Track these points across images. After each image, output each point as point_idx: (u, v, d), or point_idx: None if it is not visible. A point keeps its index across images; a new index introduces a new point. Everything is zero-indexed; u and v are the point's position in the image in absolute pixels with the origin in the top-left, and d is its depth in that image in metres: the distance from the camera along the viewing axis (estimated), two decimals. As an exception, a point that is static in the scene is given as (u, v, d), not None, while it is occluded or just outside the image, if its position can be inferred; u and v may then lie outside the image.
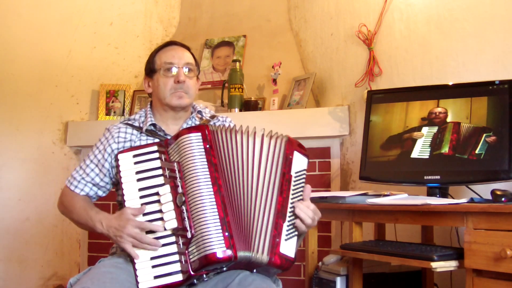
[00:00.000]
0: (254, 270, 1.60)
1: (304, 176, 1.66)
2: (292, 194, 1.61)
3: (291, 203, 1.60)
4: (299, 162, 1.66)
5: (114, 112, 3.55)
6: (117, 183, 1.82)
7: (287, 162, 1.63)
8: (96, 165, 1.82)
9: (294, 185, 1.62)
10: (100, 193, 1.84)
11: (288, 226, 1.58)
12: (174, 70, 1.82)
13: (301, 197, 1.63)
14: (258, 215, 1.57)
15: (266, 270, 1.61)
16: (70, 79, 3.52)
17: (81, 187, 1.81)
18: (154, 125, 1.84)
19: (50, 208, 3.26)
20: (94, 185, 1.82)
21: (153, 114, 1.88)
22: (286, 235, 1.57)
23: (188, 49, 1.91)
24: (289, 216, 1.59)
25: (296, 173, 1.64)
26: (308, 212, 1.60)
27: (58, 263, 3.40)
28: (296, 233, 1.60)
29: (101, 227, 1.67)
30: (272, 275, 1.67)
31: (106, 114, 3.55)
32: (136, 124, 1.86)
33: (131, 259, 1.59)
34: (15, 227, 3.27)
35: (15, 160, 3.31)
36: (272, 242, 1.54)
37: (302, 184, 1.65)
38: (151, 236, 1.59)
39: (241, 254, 1.51)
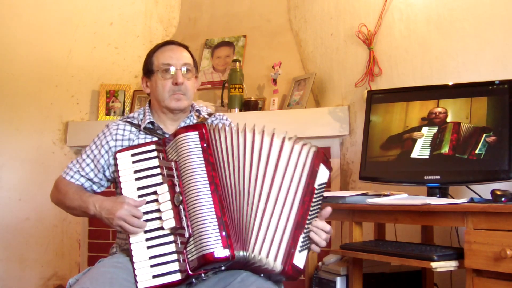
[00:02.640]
0: (262, 275, 1.59)
1: (324, 189, 1.64)
2: (313, 207, 1.60)
3: (310, 216, 1.59)
4: (323, 175, 1.63)
5: (114, 112, 3.55)
6: (113, 181, 1.82)
7: (313, 174, 1.60)
8: (92, 160, 1.82)
9: (315, 198, 1.60)
10: (95, 187, 1.84)
11: (303, 237, 1.57)
12: (172, 71, 1.81)
13: (318, 212, 1.62)
14: (266, 218, 1.55)
15: (273, 276, 1.60)
16: (70, 79, 3.52)
17: (77, 177, 1.81)
18: (152, 123, 1.84)
19: (50, 208, 3.25)
20: (88, 179, 1.82)
21: (151, 113, 1.88)
22: (301, 246, 1.56)
23: (186, 48, 1.90)
24: (306, 229, 1.58)
25: (319, 185, 1.61)
26: (322, 235, 1.59)
27: (58, 263, 3.40)
28: (308, 245, 1.60)
29: (93, 208, 1.66)
30: (276, 281, 1.64)
31: (106, 114, 3.55)
32: (135, 122, 1.86)
33: (130, 258, 1.59)
34: (15, 227, 3.27)
35: (15, 160, 3.31)
36: (288, 252, 1.53)
37: (322, 198, 1.63)
38: (149, 235, 1.59)
39: (238, 253, 1.50)
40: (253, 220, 1.56)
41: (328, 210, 1.63)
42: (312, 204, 1.59)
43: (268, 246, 1.53)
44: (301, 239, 1.56)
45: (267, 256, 1.52)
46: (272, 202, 1.57)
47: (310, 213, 1.58)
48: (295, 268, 1.54)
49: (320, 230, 1.59)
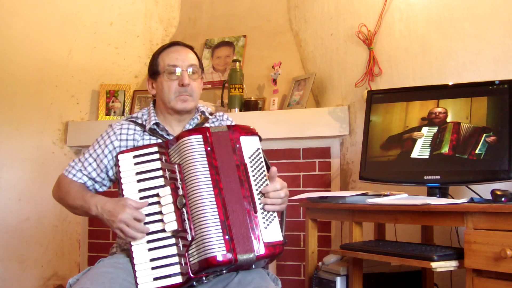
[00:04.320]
0: (253, 266, 1.59)
1: (260, 155, 1.64)
2: (255, 180, 1.60)
3: (257, 189, 1.59)
4: (250, 145, 1.64)
5: (114, 112, 3.55)
6: (116, 181, 1.82)
7: (236, 152, 1.61)
8: (95, 160, 1.81)
9: (253, 171, 1.61)
10: (97, 187, 1.84)
11: (263, 213, 1.57)
12: (178, 73, 1.80)
13: (265, 178, 1.61)
14: (243, 215, 1.56)
15: (262, 263, 1.61)
16: (70, 79, 3.52)
17: (79, 176, 1.81)
18: (157, 124, 1.84)
19: (50, 208, 3.26)
20: (90, 178, 1.82)
21: (156, 114, 1.87)
22: (264, 223, 1.56)
23: (192, 48, 1.89)
24: (260, 203, 1.58)
25: (250, 157, 1.62)
26: (274, 200, 1.58)
27: (58, 263, 3.40)
28: (273, 215, 1.59)
29: (95, 209, 1.65)
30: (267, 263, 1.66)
31: (106, 114, 3.55)
32: (139, 122, 1.86)
33: (130, 260, 1.59)
34: (15, 227, 3.27)
35: (15, 160, 3.31)
36: (254, 236, 1.53)
37: (262, 164, 1.63)
38: (150, 237, 1.59)
39: (241, 257, 1.50)
40: (244, 220, 1.55)
41: (273, 170, 1.61)
42: (253, 178, 1.59)
43: (246, 241, 1.52)
44: (260, 216, 1.56)
45: (251, 251, 1.52)
46: (234, 198, 1.57)
47: (255, 187, 1.59)
48: (270, 245, 1.53)
49: (271, 193, 1.59)
